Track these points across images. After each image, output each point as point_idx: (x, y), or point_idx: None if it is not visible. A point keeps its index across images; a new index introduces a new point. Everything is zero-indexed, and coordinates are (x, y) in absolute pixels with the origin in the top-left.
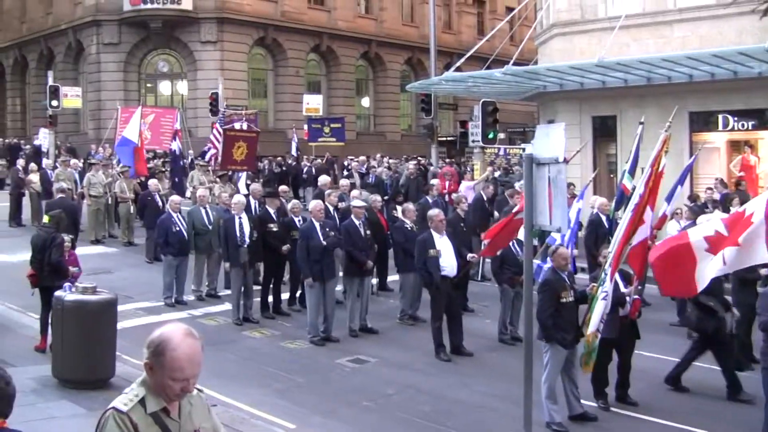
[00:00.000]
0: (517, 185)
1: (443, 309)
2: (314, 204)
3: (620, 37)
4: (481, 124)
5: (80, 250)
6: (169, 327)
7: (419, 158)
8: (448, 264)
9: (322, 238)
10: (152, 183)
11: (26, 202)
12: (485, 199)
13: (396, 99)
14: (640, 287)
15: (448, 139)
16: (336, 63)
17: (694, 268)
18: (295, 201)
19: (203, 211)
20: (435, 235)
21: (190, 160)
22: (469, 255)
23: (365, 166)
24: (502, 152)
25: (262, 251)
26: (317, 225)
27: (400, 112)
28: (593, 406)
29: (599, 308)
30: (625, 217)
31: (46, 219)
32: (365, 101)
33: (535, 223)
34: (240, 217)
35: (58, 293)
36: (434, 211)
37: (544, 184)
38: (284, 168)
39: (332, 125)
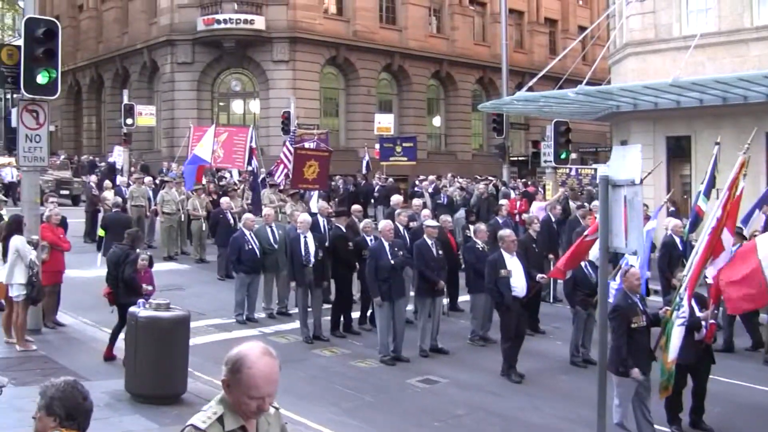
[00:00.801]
0: (591, 205)
1: (513, 329)
2: (384, 224)
3: (695, 56)
4: (554, 144)
5: (154, 267)
6: (247, 345)
7: (491, 178)
8: (518, 285)
9: (390, 258)
10: (224, 201)
11: (101, 218)
12: (553, 220)
13: (467, 118)
14: (715, 312)
15: (520, 159)
16: (407, 82)
17: (764, 281)
18: (367, 220)
19: (269, 230)
20: (506, 255)
21: (261, 178)
22: (539, 276)
23: (435, 185)
24: (573, 173)
25: (331, 270)
26: (386, 245)
27: (471, 132)
28: (666, 431)
29: (677, 333)
30: (701, 240)
31: (100, 232)
32: (436, 120)
33: (610, 245)
34: (305, 236)
35: (132, 309)
36: (506, 232)
37: (620, 206)
38: (356, 187)
39: (404, 144)
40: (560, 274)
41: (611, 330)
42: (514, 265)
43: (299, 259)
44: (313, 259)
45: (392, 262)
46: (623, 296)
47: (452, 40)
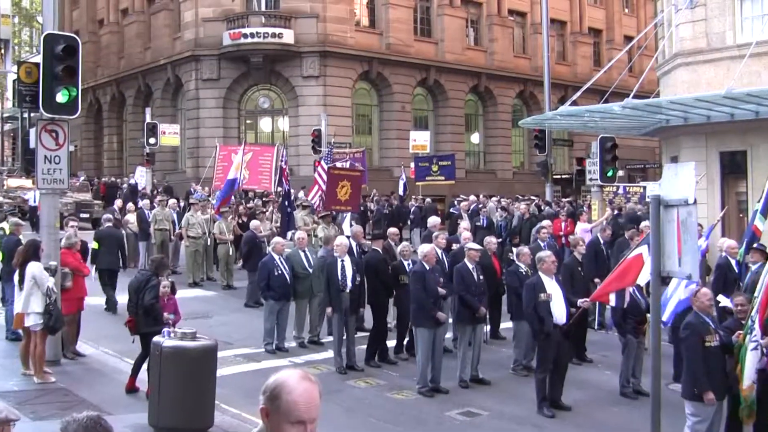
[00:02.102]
0: (642, 225)
1: (552, 359)
2: (427, 248)
3: (750, 65)
4: (599, 161)
5: (178, 294)
6: (284, 371)
7: (533, 198)
8: (558, 311)
9: (435, 281)
10: (254, 224)
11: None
12: (601, 242)
13: (507, 135)
14: None
15: (564, 177)
16: (444, 97)
17: None
18: (405, 243)
19: (302, 254)
20: (545, 278)
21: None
22: (580, 300)
23: (475, 206)
24: (621, 191)
25: (370, 296)
26: (427, 267)
27: (511, 149)
28: None
29: (751, 358)
30: None
31: (94, 245)
32: (475, 137)
33: (662, 269)
34: (342, 260)
35: (156, 339)
36: (545, 253)
37: (673, 227)
38: (391, 208)
39: (441, 163)
40: (604, 298)
41: (684, 349)
42: (554, 289)
43: (336, 284)
44: (350, 284)
45: (440, 288)
46: (695, 315)
47: (491, 52)
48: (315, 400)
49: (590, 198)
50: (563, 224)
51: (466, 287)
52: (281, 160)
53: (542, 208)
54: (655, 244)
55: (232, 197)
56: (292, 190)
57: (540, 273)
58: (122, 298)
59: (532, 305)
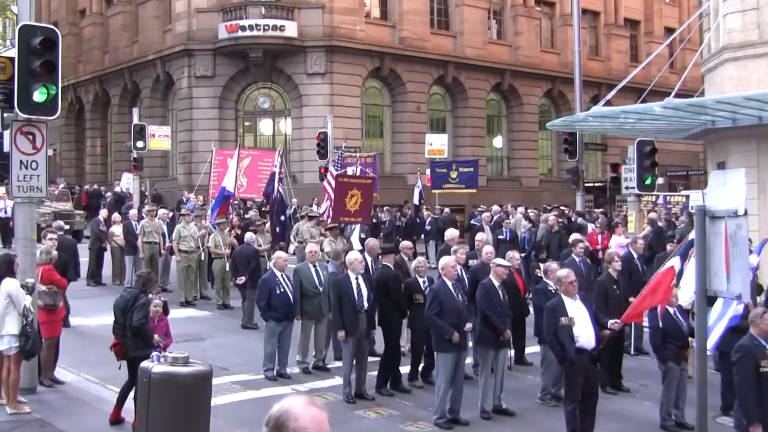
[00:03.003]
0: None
1: (580, 389)
2: (447, 260)
3: None
4: (637, 167)
5: (169, 314)
6: (288, 399)
7: (562, 208)
8: (584, 334)
9: (459, 301)
10: (249, 236)
11: (107, 257)
12: (635, 257)
13: (534, 138)
14: None
15: (596, 185)
16: (463, 97)
17: None
18: (420, 258)
19: (313, 269)
20: (566, 300)
21: (293, 209)
22: (610, 322)
23: (499, 217)
24: (661, 201)
25: (382, 316)
26: (450, 284)
27: (538, 154)
28: None
29: None
30: None
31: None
32: (497, 141)
33: (708, 287)
34: (357, 278)
35: (143, 364)
36: (563, 272)
37: (721, 241)
38: (405, 218)
39: (461, 169)
40: (638, 319)
41: (735, 373)
42: (577, 312)
43: (351, 305)
44: (366, 304)
45: (459, 301)
46: (749, 337)
47: (515, 46)
48: (324, 425)
49: (626, 209)
50: (599, 237)
51: (491, 305)
52: (274, 165)
53: (573, 219)
54: (701, 261)
55: (230, 207)
56: (294, 200)
57: (561, 294)
58: (102, 319)
59: (553, 330)
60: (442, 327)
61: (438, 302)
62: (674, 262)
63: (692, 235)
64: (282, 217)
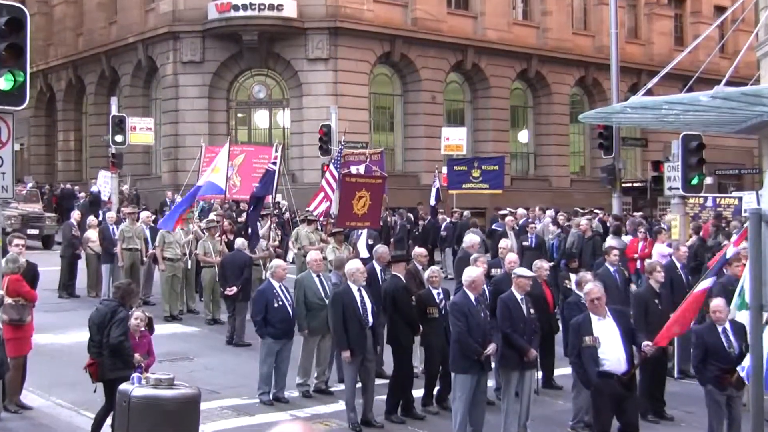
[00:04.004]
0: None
1: (609, 419)
2: (476, 273)
3: None
4: (682, 165)
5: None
6: (284, 425)
7: (596, 211)
8: (611, 356)
9: (483, 316)
10: (240, 242)
11: (82, 266)
12: (678, 266)
13: (564, 132)
14: None
15: (635, 185)
16: (484, 86)
17: None
18: (434, 268)
19: (317, 279)
20: (592, 317)
21: (288, 213)
22: (644, 344)
23: (525, 221)
24: (710, 203)
25: (391, 333)
26: (472, 297)
27: (569, 150)
28: None
29: None
30: None
31: None
32: (523, 135)
33: (765, 302)
34: (361, 289)
35: (122, 387)
36: (587, 287)
37: None
38: (421, 221)
39: (485, 167)
40: (674, 335)
41: None
42: (605, 331)
43: (357, 320)
44: (372, 320)
45: (483, 318)
46: None
47: (544, 28)
48: None
49: (670, 212)
50: (640, 244)
51: (512, 324)
52: (271, 162)
53: (608, 224)
54: (755, 271)
55: (210, 210)
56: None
57: (589, 311)
58: (76, 335)
59: (577, 351)
60: (473, 348)
61: (465, 319)
62: (707, 283)
63: (731, 250)
64: (255, 217)
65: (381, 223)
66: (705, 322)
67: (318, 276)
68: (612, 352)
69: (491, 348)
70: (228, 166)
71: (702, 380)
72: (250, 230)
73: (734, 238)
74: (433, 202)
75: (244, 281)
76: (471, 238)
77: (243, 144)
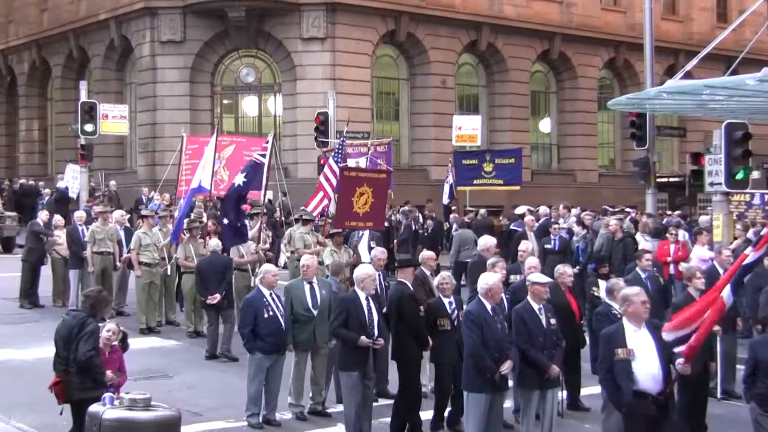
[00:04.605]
0: None
1: None
2: (494, 280)
3: None
4: (725, 157)
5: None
6: None
7: (628, 210)
8: (646, 373)
9: (500, 328)
10: (214, 244)
11: (46, 272)
12: (720, 272)
13: (591, 121)
14: None
15: (672, 180)
16: (501, 68)
17: None
18: (444, 274)
19: (308, 287)
20: (628, 327)
21: (280, 211)
22: (678, 361)
23: (546, 220)
24: (758, 200)
25: (396, 347)
26: (488, 307)
27: (597, 141)
28: None
29: None
30: None
31: None
32: (544, 124)
33: None
34: (369, 299)
35: (92, 408)
36: (632, 290)
37: None
38: (432, 221)
39: (498, 160)
40: (697, 349)
41: None
42: (641, 343)
43: (362, 331)
44: (377, 331)
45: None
46: None
47: (568, 3)
48: None
49: (711, 211)
50: (673, 247)
51: (530, 338)
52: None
53: (657, 223)
54: None
55: (202, 210)
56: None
57: (624, 319)
58: (40, 350)
59: (608, 365)
60: (488, 365)
61: (480, 331)
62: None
63: (750, 254)
64: (226, 220)
65: (386, 224)
66: (763, 334)
67: (310, 284)
68: (647, 368)
69: (507, 366)
70: (215, 158)
71: (747, 397)
72: (223, 223)
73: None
74: (446, 200)
75: (227, 286)
76: (486, 241)
77: (232, 134)
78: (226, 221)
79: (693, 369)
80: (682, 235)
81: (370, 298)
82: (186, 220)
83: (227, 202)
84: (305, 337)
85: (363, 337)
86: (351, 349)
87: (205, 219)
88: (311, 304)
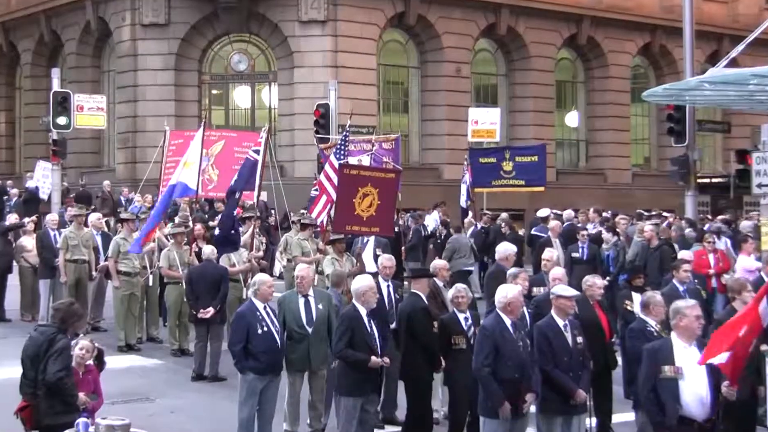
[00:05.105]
0: None
1: None
2: (513, 292)
3: None
4: None
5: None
6: None
7: (665, 214)
8: (694, 396)
9: (521, 346)
10: (209, 251)
11: (14, 281)
12: None
13: (624, 114)
14: None
15: (714, 181)
16: (523, 54)
17: None
18: (460, 286)
19: (302, 301)
20: (677, 343)
21: (275, 215)
22: (723, 384)
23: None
24: None
25: (406, 367)
26: (508, 322)
27: (630, 137)
28: None
29: None
30: None
31: None
32: (571, 118)
33: None
34: (369, 314)
35: None
36: (685, 302)
37: None
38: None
39: (519, 158)
40: (740, 369)
41: None
42: (690, 362)
43: (368, 349)
44: (379, 349)
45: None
46: None
47: None
48: None
49: (758, 216)
50: (711, 257)
51: (554, 358)
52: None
53: (682, 230)
54: None
55: (188, 213)
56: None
57: (673, 334)
58: (5, 370)
59: (651, 384)
60: (494, 392)
61: (493, 349)
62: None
63: None
64: (225, 220)
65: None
66: None
67: (305, 297)
68: (695, 390)
69: (529, 400)
70: (202, 155)
71: None
72: (217, 231)
73: None
74: (464, 202)
75: (222, 299)
76: (506, 249)
77: (221, 129)
78: (218, 232)
79: (739, 393)
80: (724, 242)
81: (370, 314)
82: (170, 225)
83: (227, 219)
84: (298, 356)
85: (373, 357)
86: (357, 371)
87: (191, 223)
88: (305, 320)
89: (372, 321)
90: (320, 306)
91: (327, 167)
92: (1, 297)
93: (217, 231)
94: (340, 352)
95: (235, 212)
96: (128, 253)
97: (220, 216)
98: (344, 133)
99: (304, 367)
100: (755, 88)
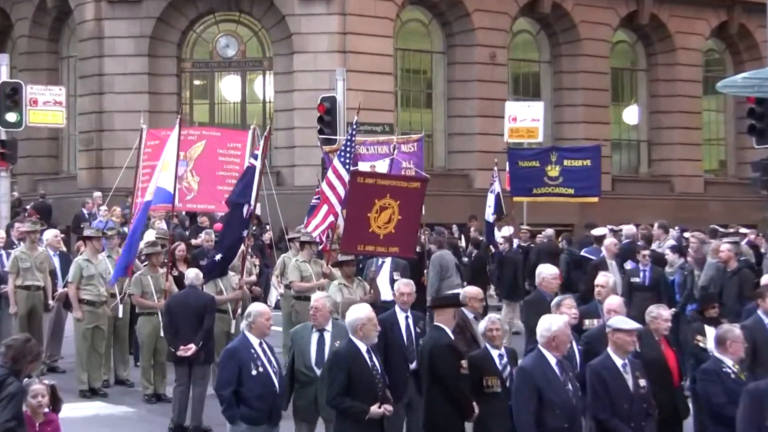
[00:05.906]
0: None
1: None
2: (554, 324)
3: None
4: None
5: (64, 409)
6: None
7: (744, 231)
8: None
9: (570, 390)
10: (192, 274)
11: None
12: None
13: (693, 109)
14: None
15: None
16: (571, 37)
17: None
18: (494, 317)
19: (316, 336)
20: None
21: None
22: None
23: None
24: None
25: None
26: (552, 360)
27: (702, 136)
28: None
29: None
30: None
31: None
32: (630, 114)
33: None
34: (370, 350)
35: None
36: None
37: None
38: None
39: (568, 162)
40: None
41: None
42: None
43: (372, 397)
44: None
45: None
46: None
47: None
48: None
49: None
50: None
51: (611, 404)
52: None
53: (764, 251)
54: None
55: (165, 228)
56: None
57: None
58: None
59: (754, 430)
60: None
61: (535, 392)
62: None
63: None
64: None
65: (418, 250)
66: None
67: (320, 332)
68: None
69: None
70: (178, 158)
71: None
72: (219, 256)
73: None
74: (490, 216)
75: (206, 334)
76: (548, 271)
77: (203, 126)
78: (218, 257)
79: None
80: None
81: (371, 350)
82: (143, 244)
83: (236, 242)
84: (304, 403)
85: (373, 408)
86: (355, 423)
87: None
88: (314, 360)
89: (375, 358)
90: (337, 344)
91: (330, 173)
92: None
93: (218, 256)
94: (333, 400)
95: (245, 234)
96: (92, 278)
97: (220, 237)
98: (350, 131)
99: (311, 416)
100: None
